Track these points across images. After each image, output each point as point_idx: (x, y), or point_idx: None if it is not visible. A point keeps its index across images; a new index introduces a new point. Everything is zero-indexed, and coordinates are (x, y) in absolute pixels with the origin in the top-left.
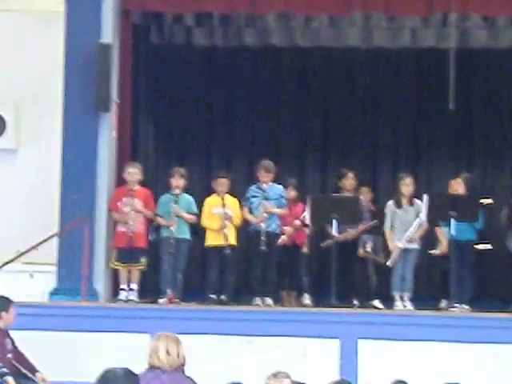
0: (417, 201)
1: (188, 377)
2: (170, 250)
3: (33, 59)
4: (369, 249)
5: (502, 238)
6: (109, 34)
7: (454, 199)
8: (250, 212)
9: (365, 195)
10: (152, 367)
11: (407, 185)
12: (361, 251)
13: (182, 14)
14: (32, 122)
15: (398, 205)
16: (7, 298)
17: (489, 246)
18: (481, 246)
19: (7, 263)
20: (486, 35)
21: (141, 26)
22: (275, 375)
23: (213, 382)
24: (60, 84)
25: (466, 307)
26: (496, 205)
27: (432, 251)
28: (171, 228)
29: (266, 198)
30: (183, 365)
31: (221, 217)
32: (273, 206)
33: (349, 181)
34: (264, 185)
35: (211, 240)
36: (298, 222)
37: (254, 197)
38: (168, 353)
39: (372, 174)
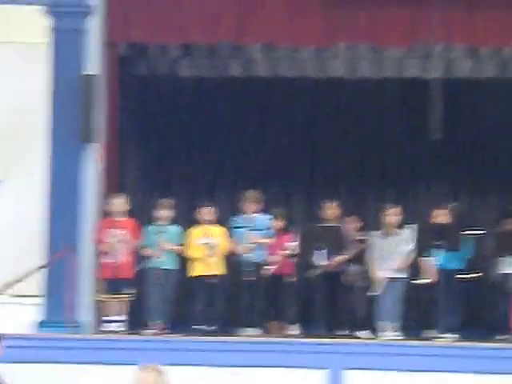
0: (403, 230)
1: None
2: (156, 281)
3: (18, 91)
4: (352, 275)
5: (489, 267)
6: (94, 65)
7: (441, 229)
8: (237, 242)
9: (352, 224)
10: None
11: (393, 214)
12: (346, 278)
13: (168, 45)
14: (18, 153)
15: (384, 234)
16: None
17: (476, 275)
18: (469, 275)
19: None
20: (470, 65)
21: (127, 57)
22: None
23: None
24: (46, 115)
25: (454, 336)
26: (483, 234)
27: (416, 281)
28: (157, 259)
29: (253, 229)
30: None
31: (205, 247)
32: (259, 236)
33: (331, 210)
34: (250, 215)
35: (196, 270)
36: (285, 252)
37: (239, 227)
38: None
39: (358, 203)
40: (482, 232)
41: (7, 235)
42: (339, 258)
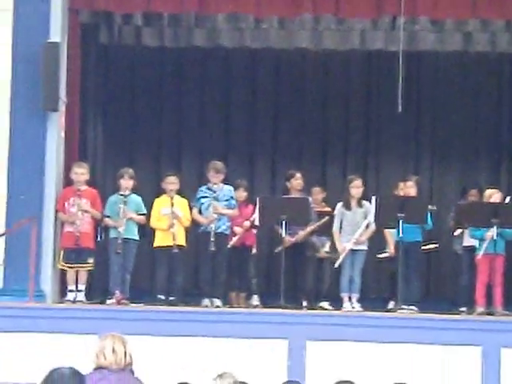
0: (365, 203)
1: (135, 377)
2: (118, 251)
3: None
4: (327, 249)
5: (449, 240)
6: (57, 32)
7: (403, 201)
8: (200, 213)
9: (316, 195)
10: (99, 367)
11: (356, 187)
12: (321, 252)
13: (131, 13)
14: None
15: (347, 206)
16: None
17: (435, 246)
18: (428, 247)
19: None
20: (433, 38)
21: (90, 25)
22: (221, 375)
23: (160, 383)
24: (8, 82)
25: (414, 308)
26: (444, 206)
27: (380, 255)
28: (119, 229)
29: (216, 199)
30: (131, 364)
31: (169, 217)
32: (223, 207)
33: (297, 181)
34: (214, 186)
35: (160, 241)
36: (247, 223)
37: (203, 197)
38: (115, 352)
39: (321, 175)
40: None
41: None
42: (305, 232)
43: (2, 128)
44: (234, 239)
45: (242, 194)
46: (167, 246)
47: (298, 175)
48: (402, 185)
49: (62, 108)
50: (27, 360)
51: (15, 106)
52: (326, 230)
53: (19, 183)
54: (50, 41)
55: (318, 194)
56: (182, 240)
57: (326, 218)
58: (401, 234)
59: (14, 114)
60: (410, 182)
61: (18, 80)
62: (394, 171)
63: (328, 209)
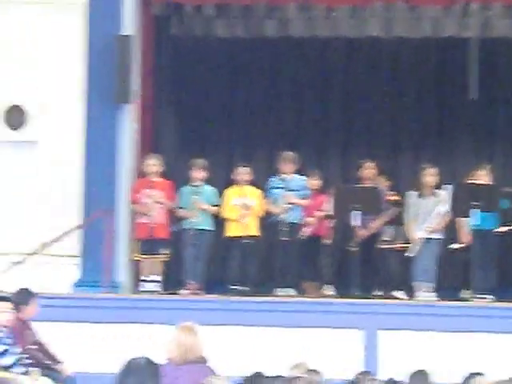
0: (438, 191)
1: (208, 367)
2: (192, 242)
3: (54, 51)
4: (387, 238)
5: None
6: (129, 25)
7: (477, 189)
8: (273, 203)
9: (381, 184)
10: (172, 358)
11: (430, 175)
12: (395, 242)
13: (203, 4)
14: (53, 113)
15: (421, 195)
16: (28, 290)
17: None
18: (503, 229)
19: (30, 255)
20: (507, 24)
21: (161, 17)
22: (296, 366)
23: (234, 373)
24: (81, 76)
25: (489, 297)
26: None
27: (452, 245)
28: (192, 220)
29: (288, 189)
30: (202, 356)
31: (240, 207)
32: (295, 196)
33: (368, 170)
34: (287, 176)
35: (231, 231)
36: (320, 213)
37: (276, 188)
38: (182, 345)
39: (394, 164)
40: None
41: (45, 196)
42: (378, 222)
43: (76, 120)
44: (307, 229)
45: (315, 184)
46: (239, 237)
47: (370, 164)
48: (476, 173)
49: (135, 100)
50: (104, 350)
51: (89, 98)
52: (397, 219)
53: (93, 176)
54: (122, 33)
55: (382, 182)
56: (254, 230)
57: (396, 209)
58: (476, 222)
59: (88, 106)
60: (483, 170)
61: (91, 73)
62: (468, 159)
63: (397, 197)
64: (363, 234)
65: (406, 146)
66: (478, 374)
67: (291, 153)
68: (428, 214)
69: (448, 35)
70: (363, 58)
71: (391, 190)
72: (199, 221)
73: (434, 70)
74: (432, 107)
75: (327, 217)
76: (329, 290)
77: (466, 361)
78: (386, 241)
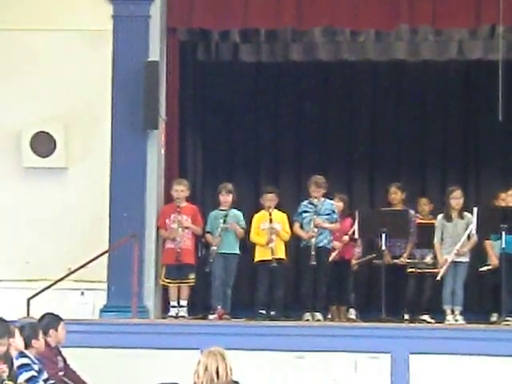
0: (467, 214)
1: None
2: (219, 266)
3: (81, 78)
4: (428, 261)
5: None
6: (156, 51)
7: (505, 211)
8: (302, 227)
9: (423, 206)
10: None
11: (457, 198)
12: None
13: (229, 30)
14: (81, 140)
15: (448, 218)
16: (57, 316)
17: None
18: None
19: (58, 281)
20: None
21: (187, 43)
22: None
23: None
24: (108, 102)
25: None
26: None
27: (482, 268)
28: (213, 247)
29: (318, 214)
30: (231, 381)
31: (268, 232)
32: (324, 220)
33: (395, 194)
34: (315, 200)
35: (260, 255)
36: (346, 237)
37: (305, 212)
38: (207, 371)
39: (421, 187)
40: None
41: (72, 222)
42: (409, 247)
43: (103, 147)
44: (333, 254)
45: (341, 207)
46: (267, 261)
47: (396, 189)
48: (503, 195)
49: (162, 126)
50: (131, 376)
51: (116, 125)
52: (426, 242)
53: (121, 201)
54: (149, 60)
55: (424, 205)
56: (281, 253)
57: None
58: (503, 245)
59: (115, 132)
60: (509, 191)
61: (118, 99)
62: (495, 182)
63: (434, 221)
64: (389, 260)
65: (433, 169)
66: None
67: (320, 176)
68: (456, 236)
69: (474, 58)
70: (389, 81)
71: (432, 215)
72: (225, 245)
73: (460, 93)
74: (458, 130)
75: (353, 241)
76: (352, 315)
77: None
78: (413, 263)
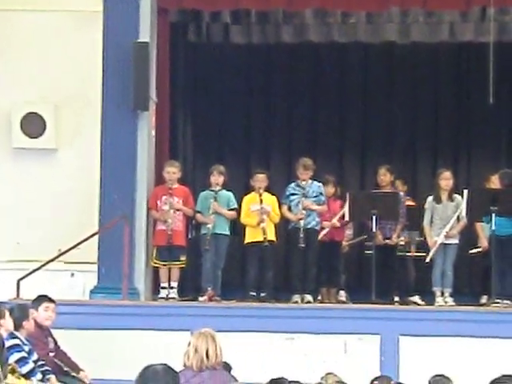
0: (457, 196)
1: (227, 374)
2: (206, 247)
3: (71, 59)
4: (404, 242)
5: None
6: (146, 32)
7: (495, 194)
8: (290, 209)
9: (399, 188)
10: (190, 364)
11: (447, 179)
12: (412, 249)
13: (220, 11)
14: (71, 121)
15: (438, 200)
16: (44, 297)
17: None
18: None
19: (48, 262)
20: None
21: (178, 24)
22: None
23: (253, 379)
24: (99, 83)
25: (508, 302)
26: None
27: (472, 250)
28: (208, 225)
29: (305, 196)
30: (221, 362)
31: (258, 213)
32: (312, 203)
33: (384, 176)
34: (303, 182)
35: (250, 237)
36: (336, 220)
37: (293, 194)
38: (197, 352)
39: (411, 169)
40: None
41: (62, 203)
42: (398, 229)
43: (93, 128)
44: (322, 233)
45: (331, 190)
46: (258, 242)
47: (385, 170)
48: (493, 178)
49: (153, 107)
50: (121, 357)
51: (106, 106)
52: (415, 224)
53: (111, 182)
54: (139, 40)
55: (400, 186)
56: (271, 235)
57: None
58: (493, 227)
59: (106, 114)
60: (498, 175)
61: (108, 80)
62: (485, 164)
63: (412, 203)
64: (381, 241)
65: (424, 151)
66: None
67: (308, 159)
68: (446, 218)
69: (465, 40)
70: (380, 63)
71: (408, 195)
72: (216, 226)
73: (451, 75)
74: (449, 112)
75: (343, 222)
76: (342, 297)
77: (486, 366)
78: (403, 246)
